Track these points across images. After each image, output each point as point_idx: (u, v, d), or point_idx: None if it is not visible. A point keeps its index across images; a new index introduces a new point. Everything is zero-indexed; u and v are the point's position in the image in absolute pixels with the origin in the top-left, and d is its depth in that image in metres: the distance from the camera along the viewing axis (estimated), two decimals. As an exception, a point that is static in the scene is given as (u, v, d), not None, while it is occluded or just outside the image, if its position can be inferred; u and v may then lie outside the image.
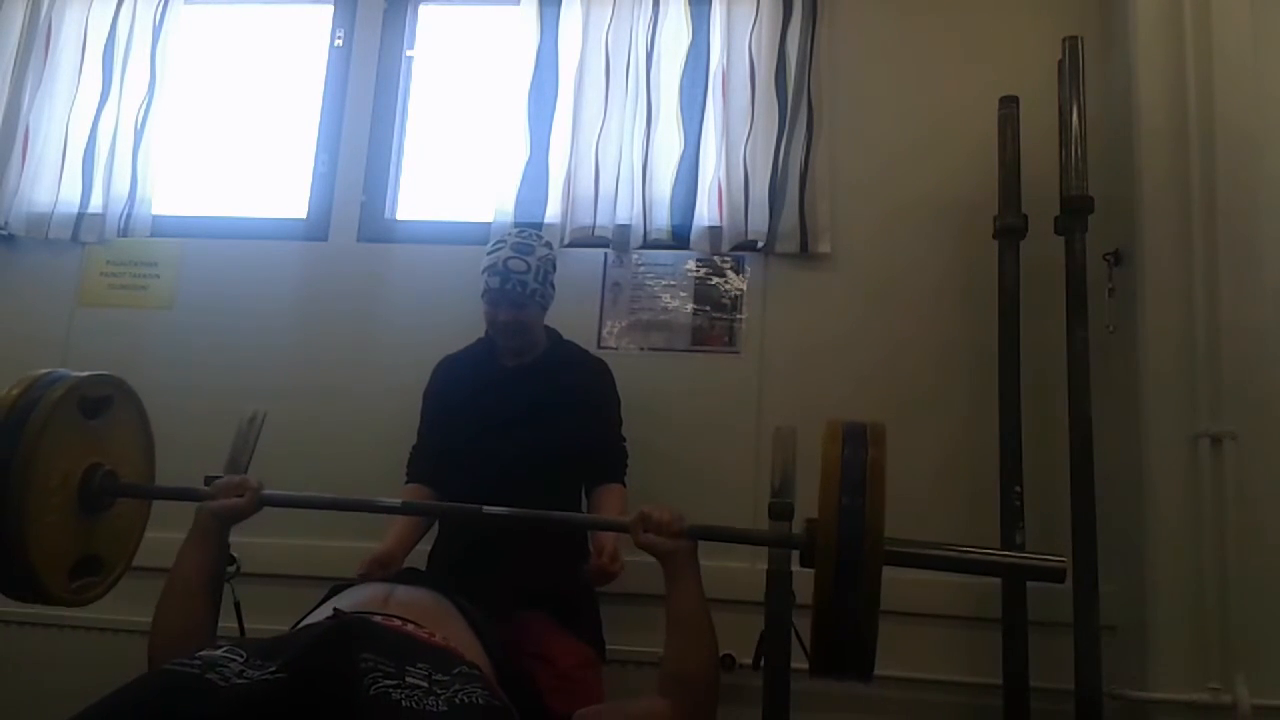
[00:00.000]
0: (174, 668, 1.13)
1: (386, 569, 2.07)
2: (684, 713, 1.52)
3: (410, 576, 1.60)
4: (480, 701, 1.18)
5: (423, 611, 1.42)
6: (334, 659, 1.14)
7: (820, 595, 1.45)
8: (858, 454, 1.49)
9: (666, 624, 1.62)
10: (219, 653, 1.17)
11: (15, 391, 1.69)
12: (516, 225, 2.57)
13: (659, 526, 1.65)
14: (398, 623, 1.35)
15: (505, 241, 2.38)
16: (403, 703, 1.10)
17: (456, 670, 1.23)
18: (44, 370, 1.79)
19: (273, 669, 1.11)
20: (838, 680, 1.57)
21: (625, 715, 1.55)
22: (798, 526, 1.74)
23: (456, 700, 1.15)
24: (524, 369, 2.43)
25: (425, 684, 1.15)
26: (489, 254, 2.38)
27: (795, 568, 1.84)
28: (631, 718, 1.54)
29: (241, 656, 1.15)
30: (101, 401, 1.85)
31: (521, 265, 2.33)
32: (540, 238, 2.45)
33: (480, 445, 2.31)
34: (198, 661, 1.14)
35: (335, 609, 1.43)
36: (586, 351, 2.59)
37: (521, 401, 2.35)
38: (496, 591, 2.15)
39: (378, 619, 1.36)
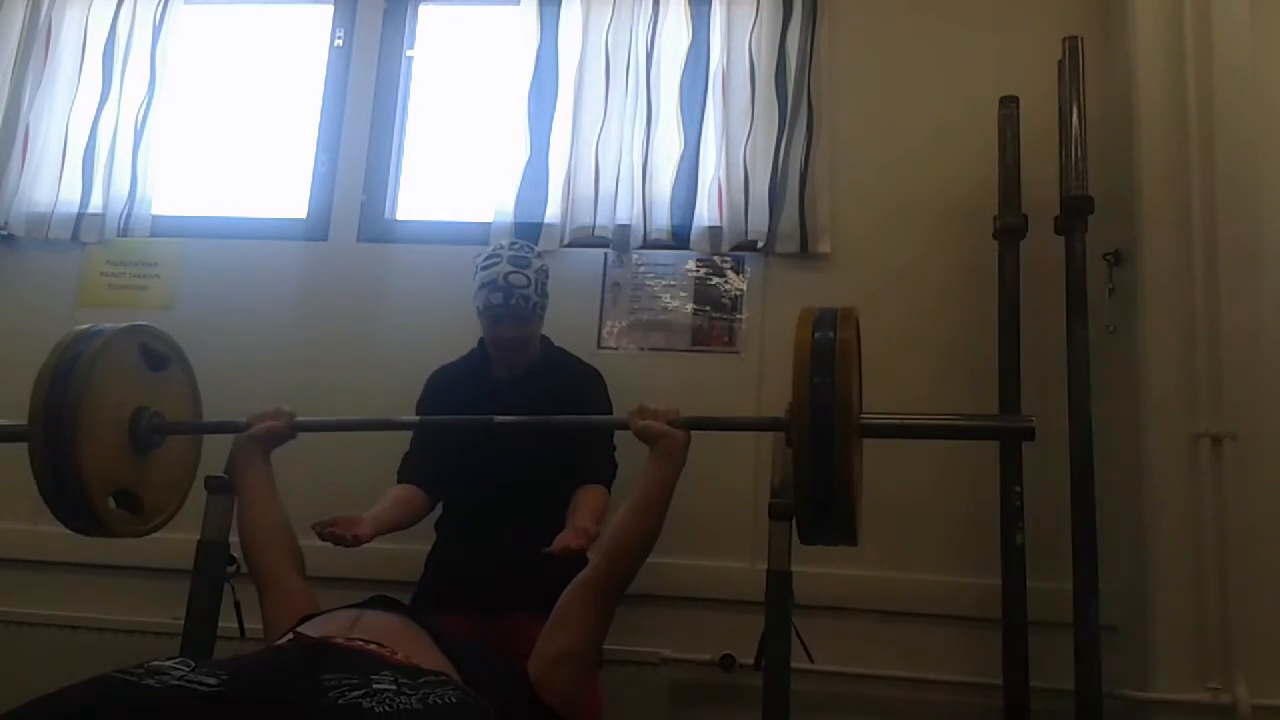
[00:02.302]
0: (115, 674, 1.13)
1: (351, 526, 2.11)
2: (603, 573, 1.64)
3: (379, 602, 1.61)
4: (454, 700, 1.18)
5: (388, 634, 1.43)
6: (286, 680, 1.13)
7: (799, 468, 1.58)
8: (827, 336, 1.62)
9: (630, 499, 1.73)
10: (168, 662, 1.17)
11: (81, 328, 1.93)
12: (508, 239, 2.52)
13: (655, 414, 1.80)
14: (360, 643, 1.35)
15: (500, 255, 2.34)
16: (375, 709, 1.09)
17: (423, 679, 1.22)
18: (91, 325, 1.97)
19: (213, 682, 1.11)
20: (827, 546, 1.69)
21: (555, 623, 1.62)
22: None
23: (430, 700, 1.15)
24: (516, 380, 2.40)
25: (394, 687, 1.15)
26: (484, 269, 2.33)
27: (795, 567, 1.84)
28: (560, 617, 1.62)
29: (189, 666, 1.15)
30: (161, 358, 2.06)
31: (522, 279, 2.31)
32: (532, 248, 2.43)
33: (473, 457, 2.30)
34: (140, 669, 1.14)
35: (296, 632, 1.43)
36: (578, 359, 2.55)
37: (514, 414, 2.28)
38: (492, 592, 2.20)
39: (339, 641, 1.36)
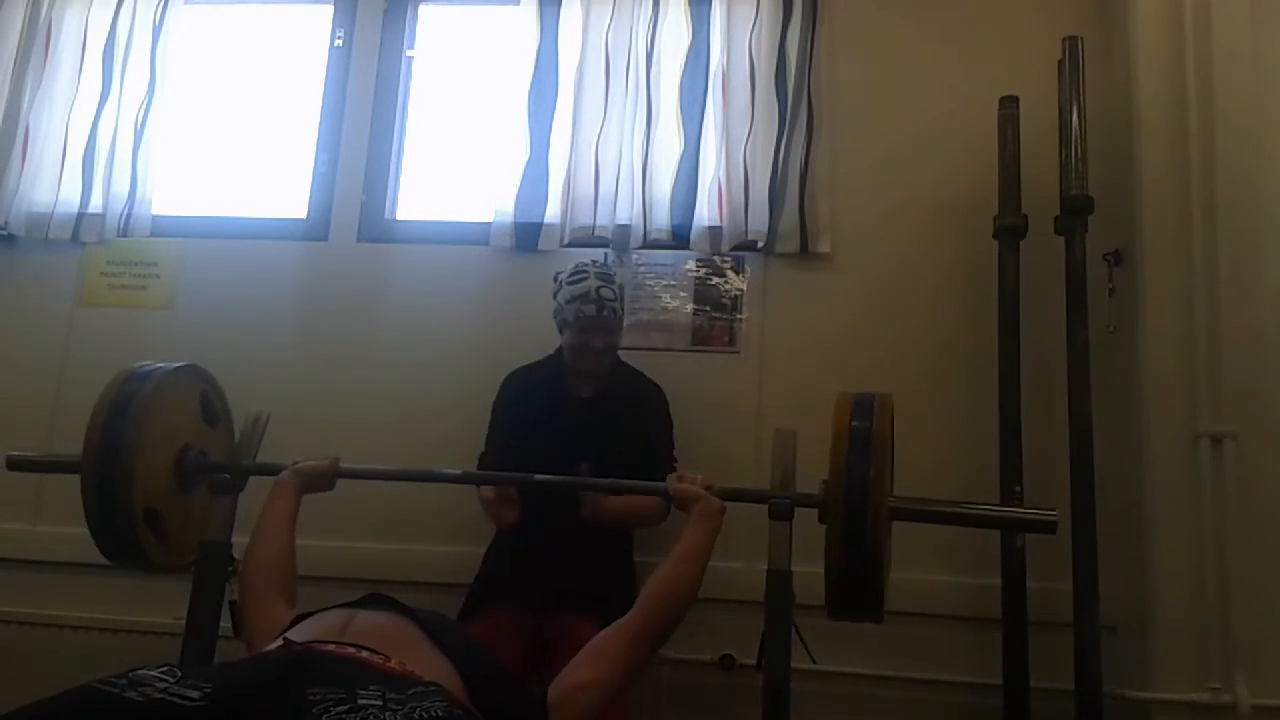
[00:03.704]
0: (97, 685, 1.11)
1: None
2: (641, 620, 1.64)
3: (374, 601, 1.61)
4: (440, 714, 1.16)
5: (381, 637, 1.42)
6: (270, 693, 1.12)
7: (831, 547, 1.67)
8: (864, 425, 1.71)
9: (671, 555, 1.77)
10: (152, 672, 1.15)
11: (133, 370, 2.01)
12: (589, 258, 2.65)
13: (693, 481, 1.93)
14: (351, 650, 1.34)
15: (588, 271, 2.49)
16: None
17: (412, 690, 1.21)
18: (146, 363, 2.06)
19: (196, 695, 1.09)
20: (852, 622, 1.76)
21: (586, 655, 1.60)
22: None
23: (415, 715, 1.13)
24: (592, 401, 2.53)
25: (380, 701, 1.13)
26: (572, 283, 2.47)
27: (795, 567, 1.84)
28: (592, 651, 1.60)
29: (174, 677, 1.13)
30: (215, 416, 2.15)
31: (610, 293, 2.48)
32: (611, 266, 2.63)
33: (544, 462, 2.27)
34: (124, 680, 1.12)
35: (285, 638, 1.42)
36: (643, 375, 2.67)
37: (587, 430, 2.44)
38: (548, 589, 2.34)
39: (330, 648, 1.34)
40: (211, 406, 2.14)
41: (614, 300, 2.48)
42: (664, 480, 2.41)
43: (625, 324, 2.91)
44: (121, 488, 1.87)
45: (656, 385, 2.65)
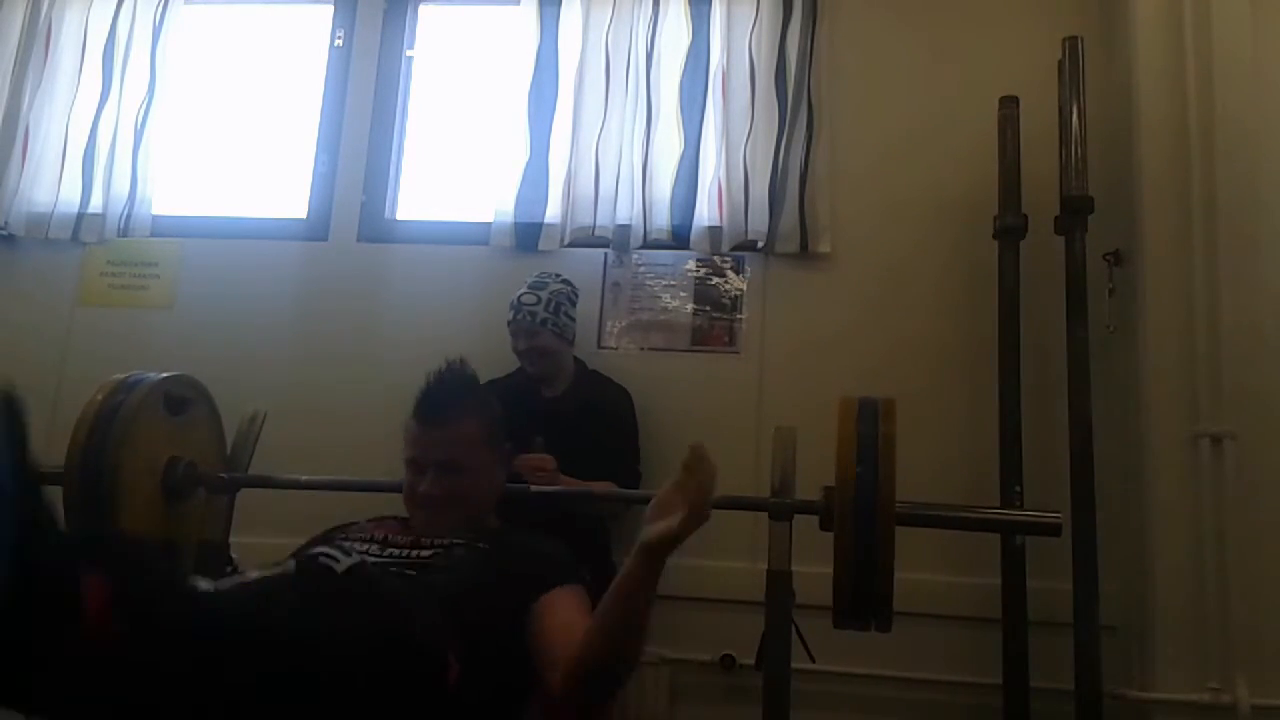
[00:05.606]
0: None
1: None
2: (576, 661, 1.43)
3: None
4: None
5: None
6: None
7: (840, 553, 1.64)
8: (871, 430, 1.67)
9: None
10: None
11: (101, 396, 1.85)
12: (543, 271, 2.72)
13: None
14: None
15: (526, 283, 2.63)
16: None
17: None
18: (125, 375, 1.92)
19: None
20: (859, 630, 1.72)
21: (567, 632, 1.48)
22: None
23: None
24: (556, 399, 2.62)
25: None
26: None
27: (795, 567, 1.84)
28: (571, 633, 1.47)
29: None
30: (183, 401, 2.03)
31: (532, 298, 2.58)
32: (557, 276, 2.66)
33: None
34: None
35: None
36: (610, 380, 2.72)
37: (554, 430, 2.47)
38: None
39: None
40: (175, 399, 2.00)
41: (534, 304, 2.57)
42: (631, 473, 2.58)
43: (624, 324, 2.94)
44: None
45: (621, 388, 2.70)
